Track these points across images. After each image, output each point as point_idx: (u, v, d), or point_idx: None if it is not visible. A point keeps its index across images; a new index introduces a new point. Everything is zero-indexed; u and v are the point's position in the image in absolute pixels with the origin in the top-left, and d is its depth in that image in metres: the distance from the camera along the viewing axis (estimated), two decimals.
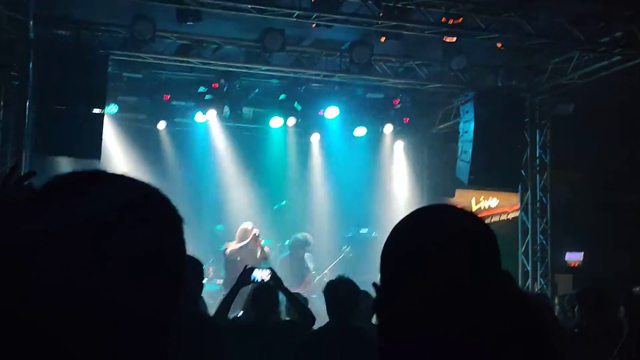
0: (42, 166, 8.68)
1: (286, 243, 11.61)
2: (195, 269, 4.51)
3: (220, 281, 10.66)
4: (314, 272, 11.12)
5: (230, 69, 10.70)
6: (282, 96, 11.69)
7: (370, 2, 8.79)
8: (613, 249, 11.84)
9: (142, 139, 12.03)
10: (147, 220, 0.92)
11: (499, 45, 10.03)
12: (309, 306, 5.94)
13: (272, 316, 5.45)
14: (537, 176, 11.59)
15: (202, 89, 11.26)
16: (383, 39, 9.66)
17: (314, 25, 9.19)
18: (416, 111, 12.80)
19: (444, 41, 9.74)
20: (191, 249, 1.01)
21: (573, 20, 9.27)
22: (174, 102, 11.59)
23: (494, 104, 10.60)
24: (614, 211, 12.60)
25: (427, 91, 11.69)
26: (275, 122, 12.07)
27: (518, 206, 11.99)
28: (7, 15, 8.77)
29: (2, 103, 9.10)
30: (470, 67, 10.39)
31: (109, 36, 9.76)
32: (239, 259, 9.88)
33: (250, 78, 11.31)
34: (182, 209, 0.99)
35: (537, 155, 11.61)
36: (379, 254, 1.30)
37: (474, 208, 13.89)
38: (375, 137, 12.92)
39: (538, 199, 11.57)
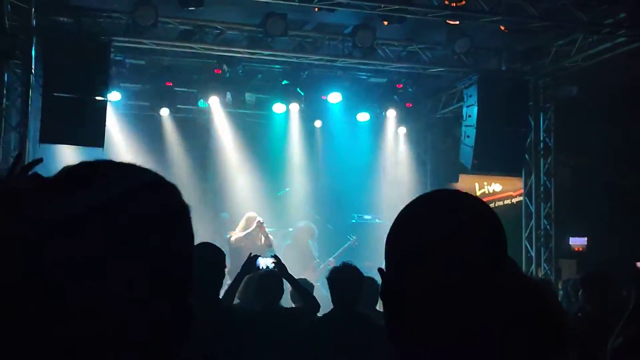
0: (46, 154, 8.67)
1: (290, 230, 11.60)
2: (216, 257, 4.50)
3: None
4: (318, 260, 11.12)
5: (233, 55, 10.66)
6: (285, 82, 11.66)
7: None
8: (617, 233, 11.78)
9: (145, 125, 12.02)
10: (156, 210, 0.92)
11: (502, 27, 9.95)
12: (313, 293, 5.92)
13: (277, 303, 5.44)
14: (541, 160, 11.53)
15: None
16: (386, 23, 9.59)
17: (316, 9, 9.13)
18: (419, 96, 12.75)
19: (447, 24, 9.68)
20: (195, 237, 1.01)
21: (576, 2, 9.19)
22: (176, 89, 11.58)
23: (497, 87, 10.55)
24: (618, 195, 12.54)
25: (431, 75, 11.63)
26: (278, 107, 12.05)
27: (522, 191, 11.95)
28: (9, 2, 8.72)
29: (4, 91, 9.07)
30: (473, 50, 10.32)
31: (110, 23, 9.71)
32: (243, 245, 9.88)
33: (253, 63, 11.26)
34: (185, 196, 0.99)
35: (541, 139, 11.53)
36: (383, 240, 1.29)
37: (478, 193, 13.85)
38: (378, 122, 12.88)
39: (542, 183, 11.52)
